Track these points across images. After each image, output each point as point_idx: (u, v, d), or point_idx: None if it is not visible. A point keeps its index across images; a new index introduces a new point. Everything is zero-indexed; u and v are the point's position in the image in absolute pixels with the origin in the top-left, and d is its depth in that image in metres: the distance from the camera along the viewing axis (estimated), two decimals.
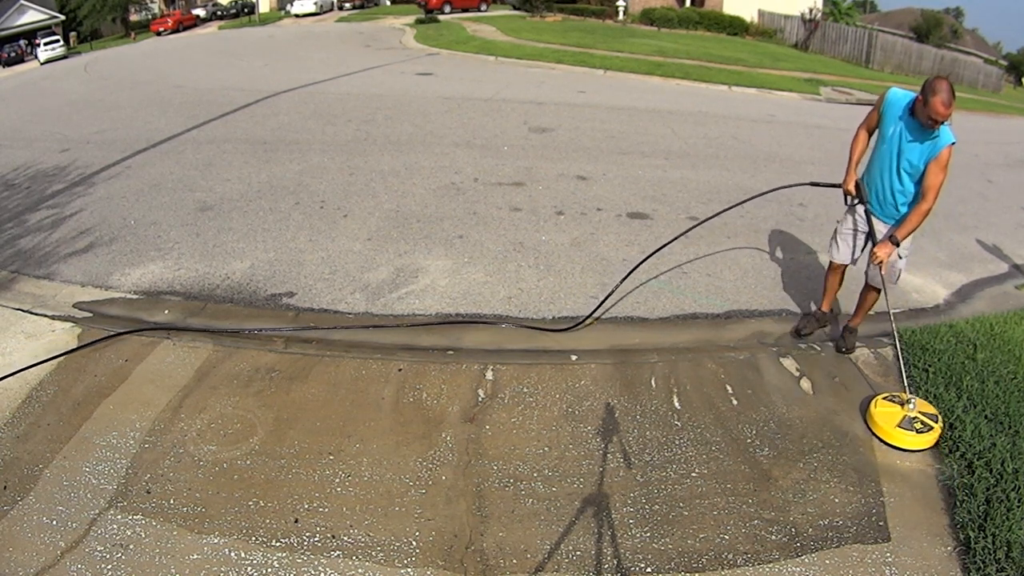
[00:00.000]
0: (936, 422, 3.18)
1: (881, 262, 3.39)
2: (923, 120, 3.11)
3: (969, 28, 51.25)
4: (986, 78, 26.18)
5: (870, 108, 3.55)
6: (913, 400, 3.23)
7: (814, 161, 8.11)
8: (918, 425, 3.15)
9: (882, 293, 3.59)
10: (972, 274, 5.30)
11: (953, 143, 3.17)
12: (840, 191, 3.69)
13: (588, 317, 4.20)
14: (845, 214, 3.76)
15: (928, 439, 3.12)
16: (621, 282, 4.42)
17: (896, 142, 3.31)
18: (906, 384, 3.37)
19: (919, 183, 3.30)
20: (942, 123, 3.08)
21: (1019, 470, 2.87)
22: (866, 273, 3.71)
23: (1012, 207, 7.19)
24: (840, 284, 3.99)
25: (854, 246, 3.74)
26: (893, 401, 3.30)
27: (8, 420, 3.25)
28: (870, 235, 3.55)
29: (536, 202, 6.21)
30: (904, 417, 3.18)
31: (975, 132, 12.83)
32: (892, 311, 3.42)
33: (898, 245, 3.38)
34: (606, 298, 4.34)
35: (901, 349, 3.54)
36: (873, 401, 3.35)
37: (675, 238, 4.63)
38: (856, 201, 3.62)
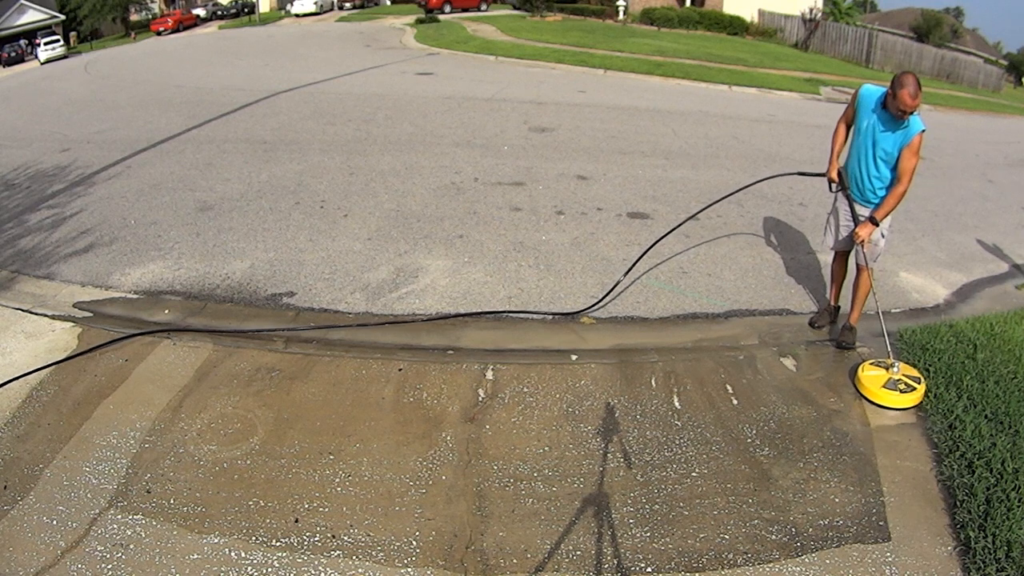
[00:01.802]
0: (919, 384, 3.44)
1: (863, 240, 3.67)
2: (893, 112, 3.37)
3: (969, 28, 51.19)
4: (986, 78, 26.15)
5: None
6: (897, 364, 3.50)
7: (814, 161, 8.09)
8: (902, 386, 3.41)
9: (866, 277, 3.85)
10: (972, 274, 5.30)
11: (923, 130, 3.42)
12: (824, 179, 4.01)
13: (604, 296, 4.41)
14: (832, 204, 4.01)
15: (912, 398, 3.38)
16: (638, 260, 4.62)
17: (871, 133, 3.57)
18: (890, 351, 3.61)
19: (894, 169, 3.56)
20: (911, 113, 3.34)
21: (1019, 470, 2.87)
22: (854, 255, 3.96)
23: (1012, 207, 7.19)
24: (844, 272, 4.18)
25: (840, 231, 3.98)
26: (879, 366, 3.57)
27: (8, 420, 3.26)
28: (852, 218, 3.83)
29: (536, 202, 6.21)
30: (889, 379, 3.45)
31: (975, 132, 12.83)
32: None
33: (877, 224, 3.64)
34: (624, 275, 4.55)
35: (883, 318, 3.76)
36: (860, 366, 3.61)
37: (686, 219, 4.89)
38: (839, 188, 3.91)
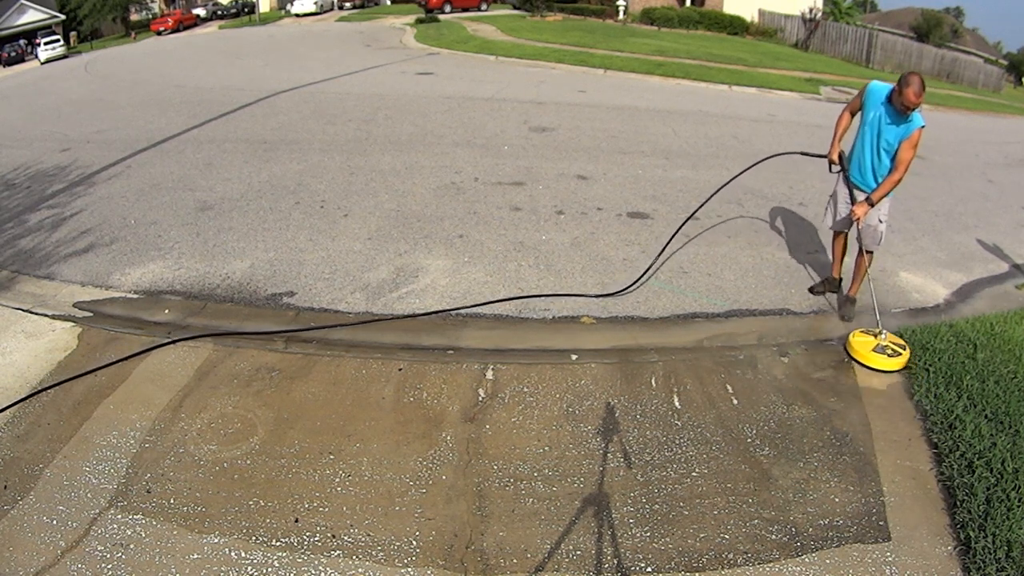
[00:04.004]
0: (904, 351, 3.78)
1: (858, 218, 3.97)
2: (898, 107, 3.66)
3: (969, 28, 51.20)
4: (986, 77, 26.12)
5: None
6: (884, 333, 3.87)
7: (815, 160, 8.09)
8: (889, 351, 3.75)
9: (865, 259, 4.16)
10: (972, 274, 5.30)
11: (923, 126, 3.71)
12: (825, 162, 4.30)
13: (637, 281, 4.64)
14: (833, 187, 4.28)
15: (898, 363, 3.73)
16: (670, 240, 4.95)
17: (876, 125, 3.86)
18: (879, 320, 3.92)
19: (893, 158, 3.85)
20: (914, 110, 3.63)
21: (1019, 470, 2.87)
22: (857, 239, 4.21)
23: (1012, 207, 7.18)
24: (845, 249, 4.50)
25: (839, 211, 4.26)
26: (868, 333, 3.91)
27: (8, 420, 3.26)
28: (851, 199, 4.13)
29: (536, 202, 6.21)
30: (877, 344, 3.80)
31: (975, 132, 12.82)
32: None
33: (872, 204, 3.93)
34: (656, 259, 4.82)
35: (874, 293, 4.09)
36: (852, 333, 3.96)
37: (713, 194, 5.14)
38: (838, 169, 4.20)
